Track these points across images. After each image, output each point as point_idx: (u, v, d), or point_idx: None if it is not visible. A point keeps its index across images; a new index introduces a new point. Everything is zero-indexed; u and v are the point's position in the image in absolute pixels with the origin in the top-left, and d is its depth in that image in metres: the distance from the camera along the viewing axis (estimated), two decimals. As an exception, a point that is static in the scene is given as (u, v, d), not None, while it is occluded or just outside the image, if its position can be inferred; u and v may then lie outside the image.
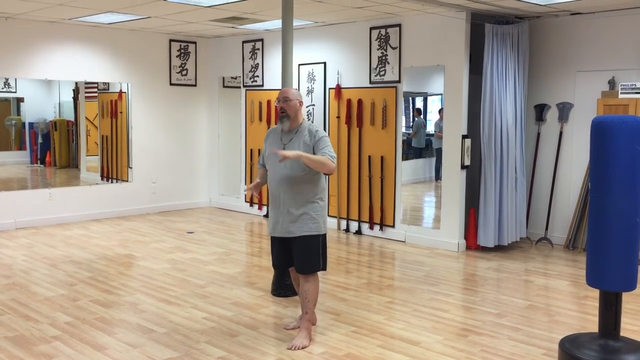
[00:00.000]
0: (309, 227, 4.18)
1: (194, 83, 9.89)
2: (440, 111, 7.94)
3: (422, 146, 10.02)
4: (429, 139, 10.01)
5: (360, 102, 7.94)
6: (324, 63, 8.36)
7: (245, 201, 9.54)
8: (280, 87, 5.73)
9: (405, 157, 8.65)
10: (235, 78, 9.85)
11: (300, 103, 4.27)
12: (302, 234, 4.18)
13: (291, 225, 4.19)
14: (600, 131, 3.72)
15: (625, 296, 4.53)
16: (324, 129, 8.09)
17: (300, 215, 4.17)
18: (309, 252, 4.21)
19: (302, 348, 4.15)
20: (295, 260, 4.25)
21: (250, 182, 9.38)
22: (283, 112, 4.22)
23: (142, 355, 4.04)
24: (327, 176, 4.40)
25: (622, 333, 3.96)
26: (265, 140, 4.43)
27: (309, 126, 4.26)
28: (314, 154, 4.13)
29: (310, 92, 8.55)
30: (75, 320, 4.69)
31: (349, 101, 8.05)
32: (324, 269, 4.33)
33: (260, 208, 9.33)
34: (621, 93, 6.45)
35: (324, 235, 4.31)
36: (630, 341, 3.98)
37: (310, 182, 4.19)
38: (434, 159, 9.63)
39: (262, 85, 9.20)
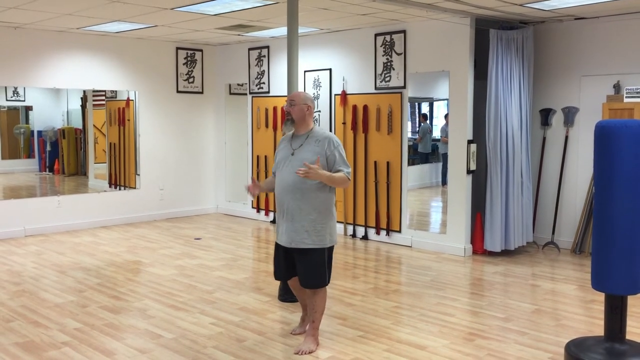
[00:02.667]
0: (312, 240, 4.02)
1: (200, 90, 9.95)
2: (446, 116, 7.96)
3: (428, 151, 10.02)
4: (435, 144, 10.01)
5: (365, 108, 7.98)
6: (330, 69, 8.41)
7: (252, 207, 9.58)
8: (286, 94, 5.77)
9: (412, 162, 8.66)
10: (242, 85, 9.90)
11: (309, 107, 4.14)
12: (305, 246, 4.03)
13: (295, 236, 4.05)
14: (604, 135, 3.74)
15: (631, 299, 4.53)
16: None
17: (304, 226, 4.01)
18: (313, 266, 4.06)
19: (310, 353, 4.16)
20: (299, 274, 4.14)
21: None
22: (288, 116, 4.15)
23: (151, 361, 4.08)
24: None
25: (628, 336, 3.97)
26: (278, 146, 4.32)
27: (321, 132, 4.13)
28: (327, 163, 4.02)
29: (316, 98, 8.58)
30: (85, 326, 4.73)
31: (354, 107, 8.09)
32: (327, 282, 4.17)
33: (267, 214, 9.37)
34: (626, 97, 6.45)
35: (330, 248, 4.14)
36: (636, 344, 3.98)
37: (318, 191, 4.04)
38: (440, 164, 9.62)
39: (269, 92, 9.25)
